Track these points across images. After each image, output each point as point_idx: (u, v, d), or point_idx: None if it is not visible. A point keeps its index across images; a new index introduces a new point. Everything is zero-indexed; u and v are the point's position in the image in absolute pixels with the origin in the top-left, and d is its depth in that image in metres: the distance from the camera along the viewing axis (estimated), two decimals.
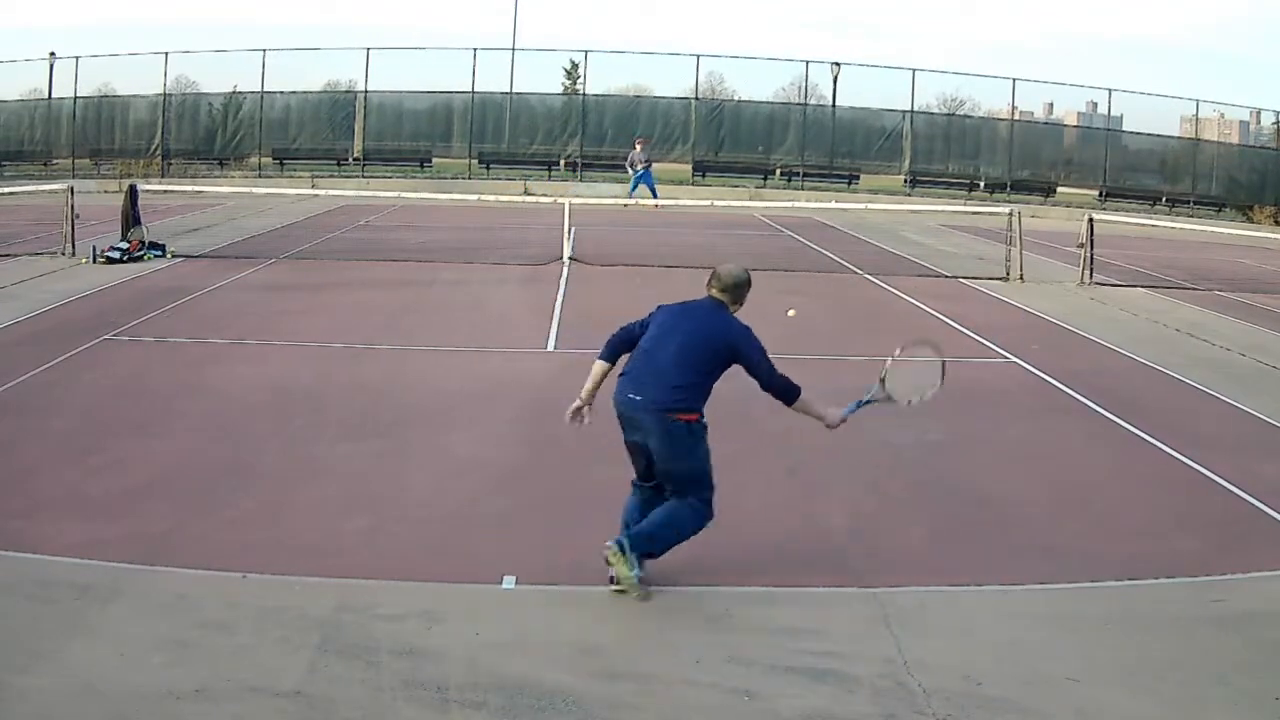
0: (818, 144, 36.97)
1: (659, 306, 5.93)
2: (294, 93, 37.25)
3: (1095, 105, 40.33)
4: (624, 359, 5.89)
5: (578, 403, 5.86)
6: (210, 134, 36.74)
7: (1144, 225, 26.41)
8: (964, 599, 5.79)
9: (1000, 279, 17.68)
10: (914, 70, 36.83)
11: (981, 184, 36.78)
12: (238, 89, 36.58)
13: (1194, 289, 18.18)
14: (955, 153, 38.01)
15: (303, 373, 10.37)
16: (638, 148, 29.40)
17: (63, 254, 16.86)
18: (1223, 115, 41.51)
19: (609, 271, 17.17)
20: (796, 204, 28.87)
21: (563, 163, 36.50)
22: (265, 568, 5.78)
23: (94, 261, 16.42)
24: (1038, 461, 8.36)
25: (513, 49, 38.96)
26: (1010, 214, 18.73)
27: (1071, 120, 44.86)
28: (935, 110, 38.95)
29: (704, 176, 36.08)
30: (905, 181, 36.61)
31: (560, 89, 41.43)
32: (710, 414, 5.75)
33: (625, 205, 25.63)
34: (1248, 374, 11.51)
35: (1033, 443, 8.86)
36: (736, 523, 6.60)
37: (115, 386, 9.68)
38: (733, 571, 5.99)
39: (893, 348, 6.22)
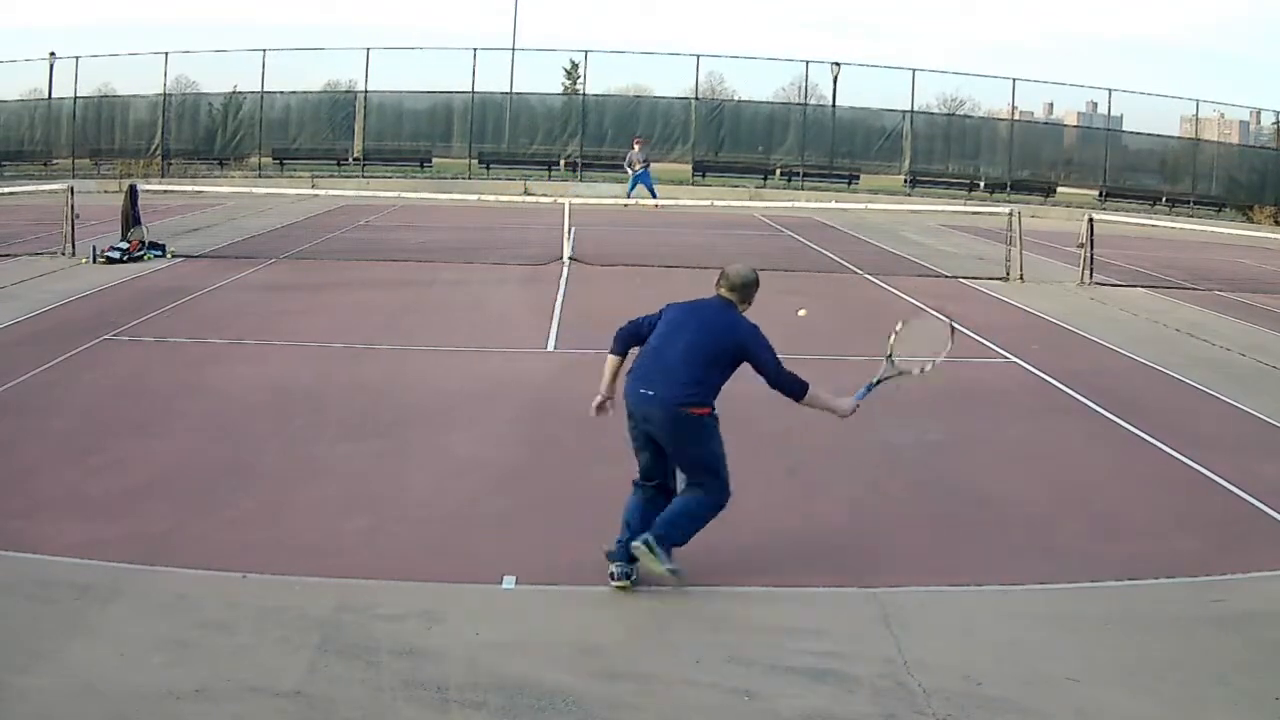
0: (818, 144, 36.97)
1: (668, 304, 5.97)
2: (294, 93, 37.27)
3: (1095, 105, 40.35)
4: (632, 352, 5.94)
5: (599, 397, 5.92)
6: (210, 134, 36.75)
7: (1144, 225, 26.41)
8: (964, 599, 5.79)
9: (1000, 279, 17.68)
10: (914, 70, 36.90)
11: (981, 184, 36.78)
12: (238, 89, 36.61)
13: (1194, 289, 18.18)
14: (955, 153, 38.01)
15: (303, 373, 10.37)
16: (635, 147, 29.42)
17: (63, 254, 16.86)
18: (1223, 115, 41.53)
19: (609, 271, 17.17)
20: (796, 204, 28.87)
21: (563, 163, 36.51)
22: (265, 568, 5.78)
23: (94, 261, 16.42)
24: (1038, 461, 8.36)
25: (513, 49, 39.02)
26: (1010, 214, 18.73)
27: (1071, 120, 44.87)
28: (935, 110, 39.00)
29: (704, 176, 36.09)
30: (905, 181, 36.61)
31: (560, 89, 41.47)
32: None
33: (625, 205, 25.64)
34: (1248, 374, 11.51)
35: (1033, 443, 8.86)
36: (736, 523, 6.59)
37: (115, 386, 9.68)
38: (733, 571, 5.99)
39: (895, 325, 6.28)
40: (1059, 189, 37.35)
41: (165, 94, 35.38)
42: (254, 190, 27.74)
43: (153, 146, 35.12)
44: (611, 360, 5.93)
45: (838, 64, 37.08)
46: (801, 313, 6.62)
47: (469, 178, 35.16)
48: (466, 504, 6.99)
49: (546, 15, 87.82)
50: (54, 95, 35.66)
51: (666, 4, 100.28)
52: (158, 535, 6.22)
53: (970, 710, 4.62)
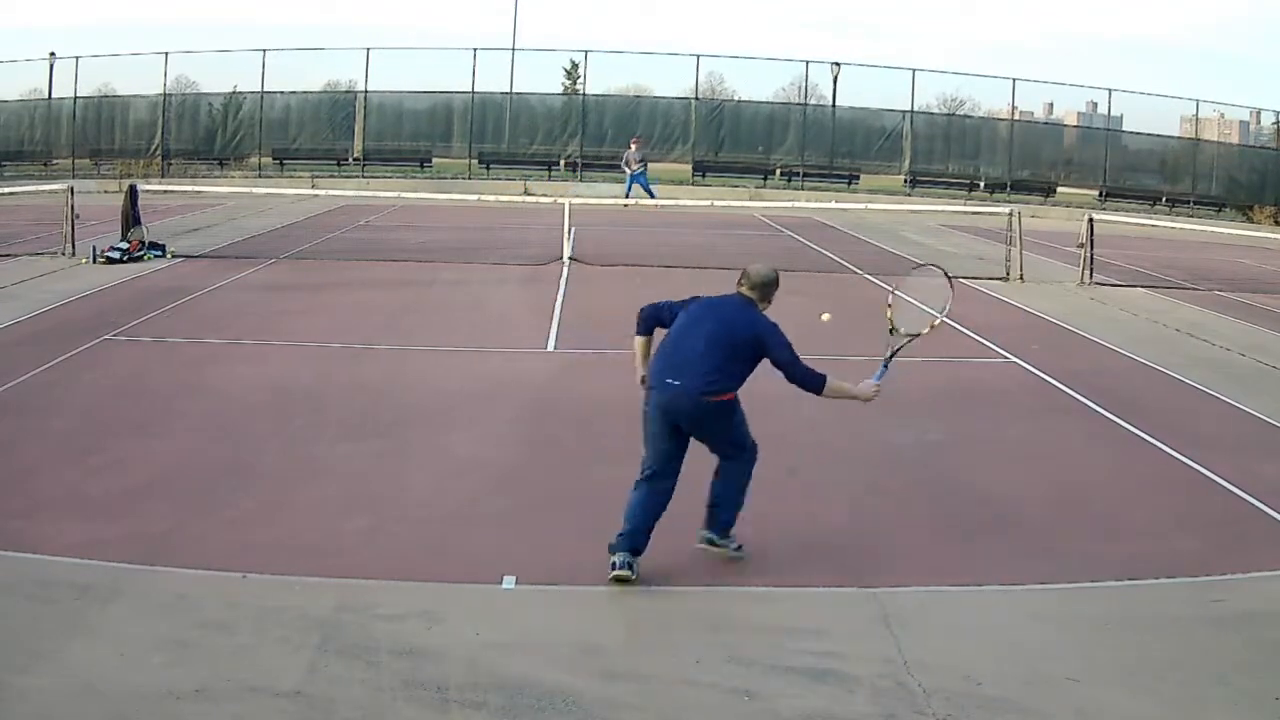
0: (818, 144, 36.96)
1: (694, 297, 6.15)
2: (294, 93, 37.24)
3: (1095, 105, 40.34)
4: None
5: (639, 375, 6.09)
6: (210, 134, 36.73)
7: (1144, 225, 26.40)
8: (964, 599, 5.80)
9: (1000, 279, 17.68)
10: (914, 70, 36.88)
11: (981, 184, 36.76)
12: (238, 89, 36.59)
13: (1194, 289, 18.18)
14: (955, 153, 37.99)
15: (303, 373, 10.37)
16: (632, 147, 29.44)
17: (63, 254, 16.86)
18: (1223, 115, 41.52)
19: (609, 271, 17.17)
20: (796, 204, 28.87)
21: (563, 163, 36.49)
22: (265, 568, 5.78)
23: (94, 261, 16.42)
24: (1038, 461, 8.36)
25: (513, 49, 38.99)
26: (1010, 214, 18.73)
27: (1071, 120, 44.86)
28: (935, 110, 38.98)
29: (704, 176, 36.08)
30: (905, 181, 36.60)
31: (560, 89, 41.45)
32: None
33: (625, 205, 25.63)
34: (1248, 374, 11.51)
35: (1033, 443, 8.86)
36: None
37: (115, 386, 9.68)
38: (733, 571, 5.99)
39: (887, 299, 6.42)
40: (1059, 189, 37.33)
41: (165, 94, 35.37)
42: (254, 190, 27.73)
43: (153, 146, 35.10)
44: (639, 341, 6.14)
45: (838, 64, 37.09)
46: (825, 317, 6.66)
47: (469, 178, 35.15)
48: (466, 504, 6.99)
49: (546, 15, 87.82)
50: (54, 95, 35.65)
51: (666, 4, 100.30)
52: (158, 535, 6.22)
53: (970, 710, 4.62)
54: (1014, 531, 6.83)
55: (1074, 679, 4.91)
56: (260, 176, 34.32)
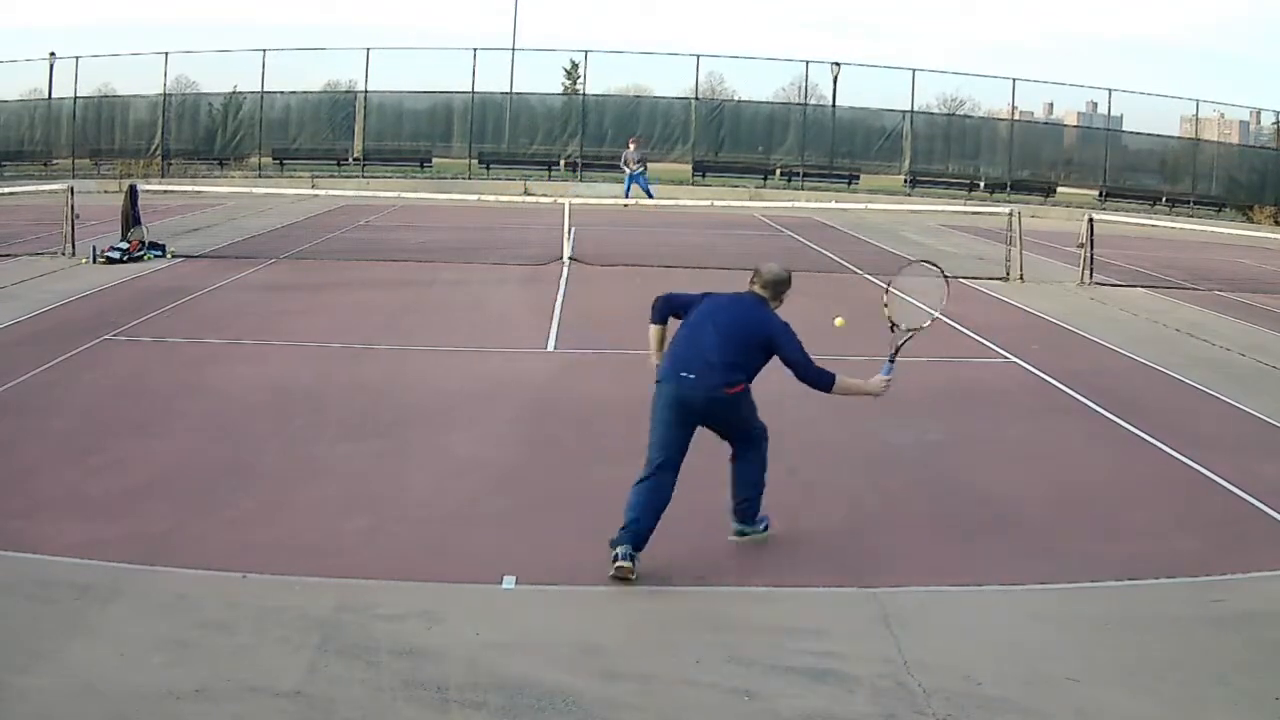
0: (818, 144, 36.96)
1: (708, 293, 6.28)
2: (294, 93, 37.23)
3: (1095, 105, 40.34)
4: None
5: (653, 361, 6.25)
6: (210, 134, 36.72)
7: (1144, 225, 26.40)
8: (964, 599, 5.80)
9: (1000, 279, 17.67)
10: (914, 70, 36.87)
11: (981, 184, 36.76)
12: (238, 89, 36.59)
13: (1194, 289, 18.18)
14: (955, 153, 37.98)
15: (303, 373, 10.37)
16: (631, 147, 29.45)
17: (63, 254, 16.85)
18: (1223, 115, 41.51)
19: (609, 271, 17.17)
20: (796, 204, 28.86)
21: (563, 163, 36.49)
22: (265, 568, 5.78)
23: (94, 261, 16.41)
24: (1038, 461, 8.35)
25: (513, 49, 39.00)
26: (1010, 214, 18.73)
27: (1071, 120, 44.86)
28: (935, 110, 38.98)
29: (704, 176, 36.07)
30: (905, 181, 36.60)
31: (560, 89, 41.45)
32: None
33: (625, 205, 25.64)
34: (1248, 374, 11.51)
35: (1033, 443, 8.86)
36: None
37: (115, 386, 9.68)
38: (733, 571, 5.99)
39: (881, 300, 6.55)
40: (1059, 189, 37.33)
41: (165, 94, 35.36)
42: (254, 190, 27.71)
43: (153, 146, 35.10)
44: (654, 329, 6.31)
45: (838, 64, 37.09)
46: (839, 322, 6.70)
47: (469, 178, 35.15)
48: (466, 504, 6.99)
49: (546, 15, 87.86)
50: (54, 95, 35.64)
51: (666, 4, 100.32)
52: (158, 535, 6.22)
53: (970, 710, 4.62)
54: (1014, 531, 6.83)
55: (1074, 679, 4.91)
56: (260, 176, 34.31)
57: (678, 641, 5.22)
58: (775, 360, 6.09)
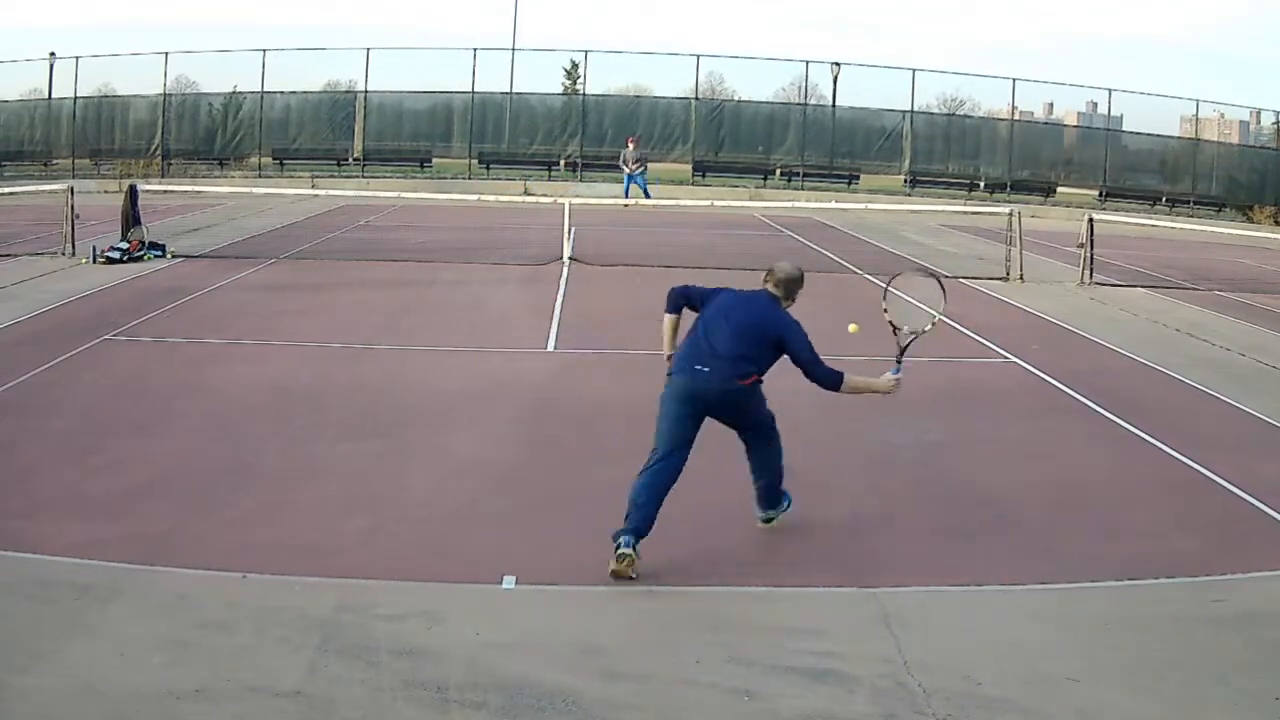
0: (818, 144, 36.96)
1: (722, 289, 6.39)
2: (294, 93, 37.24)
3: (1095, 105, 40.34)
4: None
5: (666, 353, 6.34)
6: (210, 134, 36.73)
7: (1144, 225, 26.40)
8: (964, 599, 5.79)
9: (1000, 279, 17.68)
10: (914, 70, 36.88)
11: (981, 184, 36.76)
12: (238, 89, 36.59)
13: (1194, 289, 18.18)
14: (955, 153, 37.99)
15: (303, 373, 10.37)
16: (630, 147, 29.48)
17: (63, 254, 16.85)
18: (1223, 115, 41.52)
19: (609, 271, 17.18)
20: (796, 204, 28.87)
21: (563, 163, 36.49)
22: (265, 568, 5.78)
23: (94, 261, 16.41)
24: (1038, 461, 8.35)
25: (513, 49, 38.99)
26: (1010, 214, 18.73)
27: (1071, 120, 44.86)
28: (935, 110, 38.99)
29: (704, 176, 36.08)
30: (905, 181, 36.60)
31: (560, 89, 41.46)
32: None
33: (625, 205, 25.64)
34: (1248, 374, 11.51)
35: (1033, 443, 8.86)
36: (736, 522, 6.61)
37: (115, 386, 9.68)
38: (733, 571, 5.99)
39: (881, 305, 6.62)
40: (1059, 189, 37.34)
41: (165, 94, 35.37)
42: (254, 190, 27.71)
43: (153, 146, 35.10)
44: (668, 319, 6.43)
45: (838, 64, 37.09)
46: (853, 328, 6.72)
47: (469, 178, 35.15)
48: (466, 504, 6.99)
49: (546, 15, 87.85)
50: (54, 95, 35.64)
51: (666, 4, 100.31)
52: (158, 535, 6.22)
53: (970, 710, 4.62)
54: (1014, 531, 6.83)
55: (1074, 679, 4.91)
56: (260, 176, 34.32)
57: (678, 641, 5.21)
58: (779, 361, 6.14)
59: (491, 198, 24.77)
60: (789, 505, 6.54)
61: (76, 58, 35.57)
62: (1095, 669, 5.01)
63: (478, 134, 36.92)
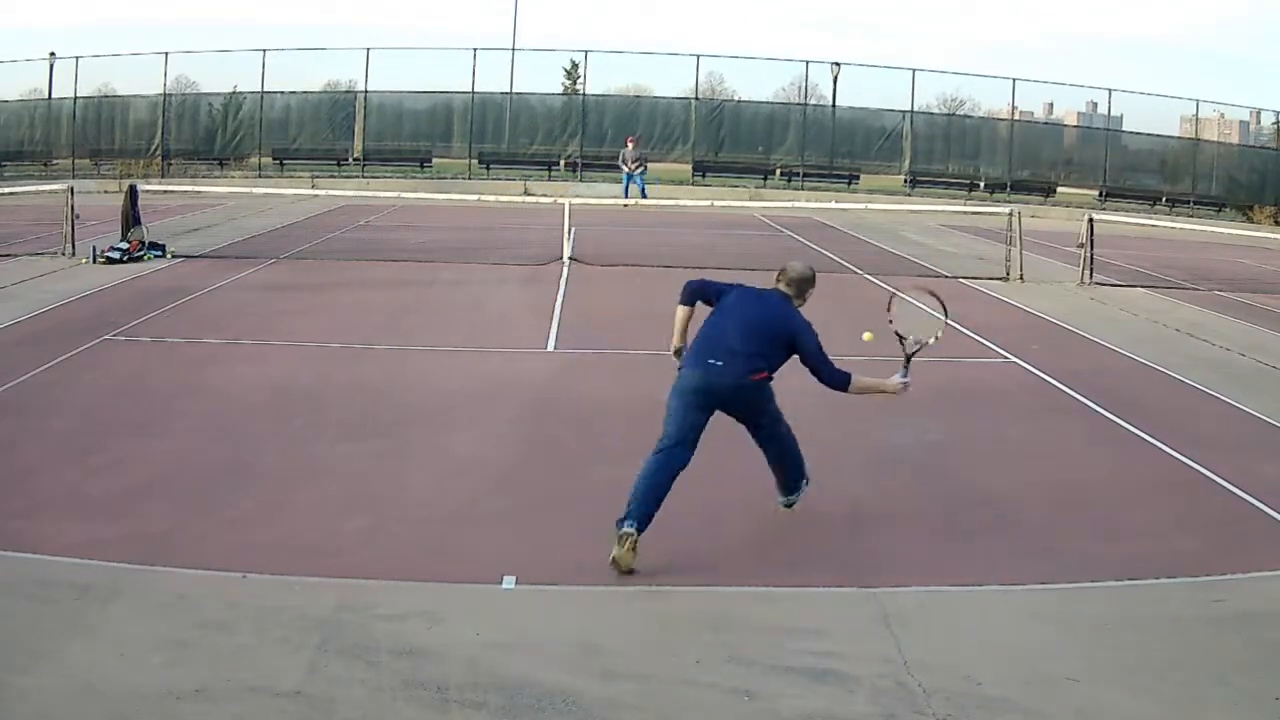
0: (818, 144, 36.97)
1: (737, 285, 6.51)
2: (294, 93, 37.24)
3: (1095, 105, 40.35)
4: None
5: (675, 346, 6.44)
6: (210, 134, 36.74)
7: (1144, 225, 26.41)
8: (964, 599, 5.79)
9: (1000, 279, 17.68)
10: (914, 70, 36.89)
11: (981, 184, 36.77)
12: (238, 89, 36.60)
13: (1194, 289, 18.18)
14: (955, 153, 37.99)
15: (303, 373, 10.37)
16: (629, 146, 29.48)
17: (63, 254, 16.85)
18: (1223, 115, 41.53)
19: (609, 271, 17.18)
20: (796, 204, 28.88)
21: (563, 163, 36.49)
22: (265, 568, 5.78)
23: (94, 261, 16.41)
24: (1038, 461, 8.35)
25: (513, 49, 38.99)
26: (1010, 214, 18.73)
27: (1071, 120, 44.87)
28: (935, 110, 39.00)
29: (704, 176, 36.09)
30: (905, 181, 36.60)
31: (560, 89, 41.46)
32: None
33: (625, 205, 25.65)
34: (1248, 374, 11.51)
35: (1033, 443, 8.86)
36: (736, 522, 6.62)
37: (115, 386, 9.68)
38: (733, 571, 5.99)
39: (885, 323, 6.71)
40: (1059, 189, 37.35)
41: (165, 94, 35.37)
42: (254, 190, 27.71)
43: (153, 146, 35.11)
44: (681, 311, 6.49)
45: (838, 64, 37.10)
46: (867, 336, 6.75)
47: (469, 178, 35.16)
48: (466, 504, 6.99)
49: (546, 15, 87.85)
50: (54, 95, 35.64)
51: (666, 4, 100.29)
52: (158, 535, 6.22)
53: (970, 710, 4.62)
54: (1014, 531, 6.83)
55: (1074, 679, 4.91)
56: (260, 176, 34.32)
57: (678, 641, 5.21)
58: (786, 362, 6.20)
59: (491, 198, 24.79)
60: (808, 484, 6.66)
61: (76, 58, 35.64)
62: (1095, 669, 5.01)
63: (478, 134, 36.93)
